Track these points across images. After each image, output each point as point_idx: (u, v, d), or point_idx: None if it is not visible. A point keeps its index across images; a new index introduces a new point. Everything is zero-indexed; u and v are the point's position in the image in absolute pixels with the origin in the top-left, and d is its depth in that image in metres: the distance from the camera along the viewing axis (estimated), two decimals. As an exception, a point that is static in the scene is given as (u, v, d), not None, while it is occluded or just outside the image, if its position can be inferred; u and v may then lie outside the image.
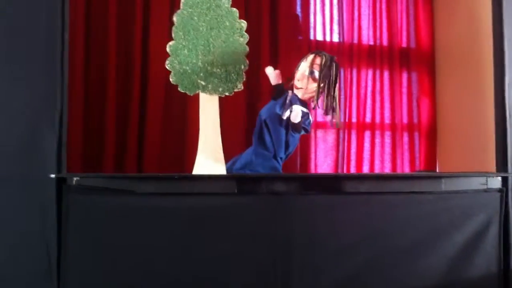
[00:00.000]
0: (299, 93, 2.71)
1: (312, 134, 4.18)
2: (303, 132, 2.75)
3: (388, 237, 2.17)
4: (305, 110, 2.69)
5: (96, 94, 3.59)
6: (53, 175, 1.94)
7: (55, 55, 2.08)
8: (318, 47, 4.22)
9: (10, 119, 2.06)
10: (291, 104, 2.64)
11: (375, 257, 2.17)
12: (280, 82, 2.75)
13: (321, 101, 2.69)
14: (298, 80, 2.71)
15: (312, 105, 2.77)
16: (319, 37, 4.27)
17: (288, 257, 2.10)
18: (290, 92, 2.73)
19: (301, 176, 2.34)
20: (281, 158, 2.65)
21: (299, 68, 2.74)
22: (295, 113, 2.55)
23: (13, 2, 2.08)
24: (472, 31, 3.89)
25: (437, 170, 4.35)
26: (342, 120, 2.89)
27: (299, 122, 2.59)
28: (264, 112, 2.69)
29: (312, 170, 4.15)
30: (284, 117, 2.64)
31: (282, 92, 2.72)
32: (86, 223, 2.05)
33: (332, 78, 2.71)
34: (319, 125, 4.22)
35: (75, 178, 2.05)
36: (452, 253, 2.19)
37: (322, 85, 2.67)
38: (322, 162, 4.22)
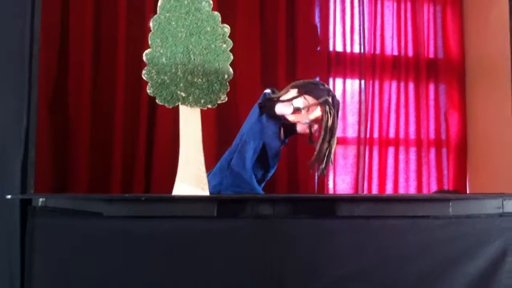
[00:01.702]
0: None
1: (331, 150, 3.95)
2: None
3: (389, 267, 1.91)
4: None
5: (103, 114, 3.50)
6: (9, 196, 1.78)
7: (23, 69, 1.94)
8: (338, 58, 4.04)
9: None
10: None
11: (374, 290, 1.92)
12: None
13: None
14: (292, 115, 2.41)
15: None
16: (339, 48, 4.07)
17: (276, 288, 1.88)
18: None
19: (290, 198, 2.11)
20: (262, 174, 2.44)
21: (301, 107, 2.37)
22: (284, 109, 2.33)
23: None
24: (505, 41, 3.61)
25: (467, 190, 4.05)
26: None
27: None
28: (246, 126, 2.43)
29: (330, 188, 3.94)
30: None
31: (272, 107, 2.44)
32: (51, 247, 1.88)
33: (331, 125, 2.36)
34: (338, 141, 3.96)
35: (41, 199, 1.88)
36: (464, 285, 1.92)
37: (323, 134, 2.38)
38: (342, 180, 3.99)
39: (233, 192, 2.31)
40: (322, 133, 2.35)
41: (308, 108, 2.36)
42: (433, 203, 1.96)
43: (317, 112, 2.37)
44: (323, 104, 2.35)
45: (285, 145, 2.61)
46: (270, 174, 2.49)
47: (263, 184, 2.46)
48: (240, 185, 2.29)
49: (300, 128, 2.46)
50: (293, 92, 2.40)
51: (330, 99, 2.36)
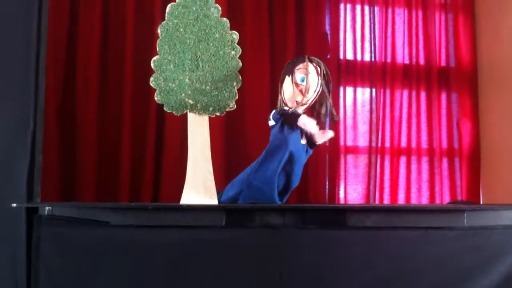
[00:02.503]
0: (301, 110, 2.42)
1: (342, 159, 3.91)
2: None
3: (401, 280, 1.86)
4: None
5: (111, 120, 3.48)
6: (14, 204, 1.75)
7: (30, 73, 1.91)
8: (349, 67, 4.00)
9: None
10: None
11: (386, 303, 1.87)
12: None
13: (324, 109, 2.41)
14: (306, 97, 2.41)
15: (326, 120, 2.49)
16: (349, 56, 4.02)
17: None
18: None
19: (300, 207, 2.06)
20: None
21: (301, 81, 2.38)
22: (309, 125, 2.30)
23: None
24: (518, 48, 3.59)
25: (481, 200, 3.98)
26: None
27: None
28: (292, 143, 2.39)
29: (341, 198, 3.88)
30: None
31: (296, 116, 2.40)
32: (57, 256, 1.85)
33: (327, 86, 2.43)
34: (349, 150, 3.95)
35: (47, 208, 1.86)
36: (479, 300, 1.86)
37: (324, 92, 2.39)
38: (353, 190, 3.93)
39: None
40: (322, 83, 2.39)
41: (306, 74, 2.36)
42: (447, 213, 1.92)
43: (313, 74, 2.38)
44: (316, 62, 2.40)
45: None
46: (293, 186, 2.43)
47: (286, 198, 2.41)
48: (260, 198, 2.23)
49: (319, 137, 2.44)
50: (287, 80, 2.39)
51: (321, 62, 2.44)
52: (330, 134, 2.41)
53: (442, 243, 1.89)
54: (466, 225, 1.89)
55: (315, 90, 2.37)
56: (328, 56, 3.95)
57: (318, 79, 2.37)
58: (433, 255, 1.89)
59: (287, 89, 2.37)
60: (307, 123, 2.32)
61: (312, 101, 2.40)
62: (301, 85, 2.34)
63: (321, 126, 2.40)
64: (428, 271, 1.88)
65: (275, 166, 2.30)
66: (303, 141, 2.40)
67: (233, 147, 3.58)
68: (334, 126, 3.68)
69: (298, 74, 2.36)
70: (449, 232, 1.89)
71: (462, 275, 1.88)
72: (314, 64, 2.39)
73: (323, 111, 2.43)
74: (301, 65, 2.37)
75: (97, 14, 3.47)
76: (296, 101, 2.35)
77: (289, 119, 2.35)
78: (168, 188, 3.45)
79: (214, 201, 2.00)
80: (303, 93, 2.34)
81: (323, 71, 2.41)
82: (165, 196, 3.43)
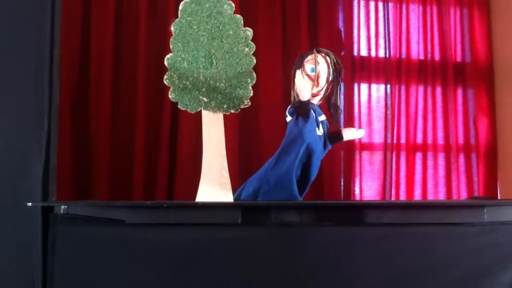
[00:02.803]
0: (315, 100, 2.41)
1: (357, 155, 3.89)
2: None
3: (420, 277, 1.83)
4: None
5: (125, 118, 3.48)
6: (29, 204, 1.75)
7: (44, 72, 1.91)
8: (363, 63, 3.98)
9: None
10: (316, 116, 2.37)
11: (405, 301, 1.84)
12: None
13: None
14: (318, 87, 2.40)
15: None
16: (363, 53, 3.99)
17: (302, 300, 1.81)
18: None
19: (316, 205, 2.04)
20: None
21: (311, 72, 2.38)
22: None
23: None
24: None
25: (498, 196, 3.93)
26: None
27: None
28: (309, 138, 2.37)
29: (357, 195, 3.86)
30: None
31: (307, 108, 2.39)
32: (73, 255, 1.85)
33: (338, 75, 2.42)
34: (364, 147, 3.92)
35: (62, 207, 1.85)
36: (499, 297, 1.83)
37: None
38: (368, 187, 3.90)
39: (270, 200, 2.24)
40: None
41: (315, 64, 2.36)
42: (467, 209, 1.88)
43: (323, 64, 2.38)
44: (326, 53, 2.40)
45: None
46: (312, 178, 2.41)
47: (305, 192, 2.39)
48: (279, 192, 2.22)
49: (347, 135, 2.46)
50: (298, 74, 2.40)
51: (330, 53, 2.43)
52: (361, 133, 2.50)
53: (462, 239, 1.85)
54: (486, 221, 1.86)
55: (326, 78, 2.36)
56: (342, 53, 3.92)
57: (329, 67, 2.36)
58: (453, 251, 1.85)
59: (299, 82, 2.36)
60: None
61: (325, 91, 2.38)
62: (312, 75, 2.34)
63: (338, 118, 2.41)
64: (448, 268, 1.84)
65: (292, 159, 2.28)
66: (320, 132, 2.38)
67: (246, 144, 3.56)
68: (350, 123, 3.68)
69: (308, 65, 2.37)
70: (470, 228, 1.86)
71: (482, 272, 1.84)
72: (323, 54, 2.39)
73: (338, 102, 2.43)
74: (309, 57, 2.38)
75: (110, 12, 3.47)
76: (312, 94, 2.35)
77: (301, 109, 2.34)
78: (183, 186, 3.44)
79: (230, 199, 1.98)
80: (313, 80, 2.33)
81: (333, 60, 2.40)
82: (179, 194, 3.43)
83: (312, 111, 2.36)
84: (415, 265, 1.86)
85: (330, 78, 2.38)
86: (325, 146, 2.44)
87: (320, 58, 2.36)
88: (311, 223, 1.89)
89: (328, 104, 2.45)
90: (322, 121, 2.41)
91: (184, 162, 3.47)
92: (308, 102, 2.32)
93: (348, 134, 2.48)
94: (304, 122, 2.33)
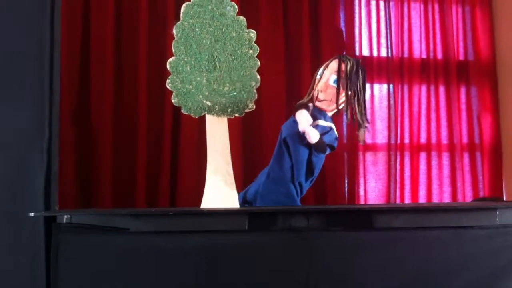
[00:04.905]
0: (323, 106, 2.39)
1: (361, 156, 3.85)
2: (329, 151, 2.41)
3: (431, 282, 1.80)
4: (326, 124, 2.36)
5: (126, 124, 3.44)
6: (32, 214, 1.71)
7: (44, 78, 1.87)
8: (365, 63, 3.91)
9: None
10: (314, 119, 2.33)
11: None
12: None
13: (350, 114, 2.37)
14: (321, 92, 2.39)
15: (345, 118, 2.45)
16: (365, 52, 3.95)
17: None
18: (311, 105, 2.40)
19: (325, 209, 2.00)
20: (300, 182, 2.33)
21: (319, 77, 2.41)
22: (309, 135, 2.24)
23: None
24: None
25: (504, 195, 3.90)
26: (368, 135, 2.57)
27: (319, 141, 2.28)
28: (284, 129, 2.37)
29: (361, 197, 3.82)
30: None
31: (304, 108, 2.38)
32: (76, 264, 1.81)
33: (360, 86, 2.37)
34: (368, 147, 3.88)
35: (65, 216, 1.81)
36: (513, 301, 1.80)
37: (350, 94, 2.35)
38: (373, 188, 3.87)
39: (270, 199, 2.23)
40: (355, 98, 2.39)
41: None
42: (479, 212, 1.84)
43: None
44: (342, 60, 2.44)
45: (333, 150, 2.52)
46: (314, 178, 2.40)
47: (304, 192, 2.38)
48: (277, 190, 2.21)
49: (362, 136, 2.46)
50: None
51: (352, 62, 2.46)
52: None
53: (474, 242, 1.82)
54: (498, 223, 1.82)
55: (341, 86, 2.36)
56: (344, 53, 3.87)
57: (341, 75, 2.32)
58: (464, 255, 1.82)
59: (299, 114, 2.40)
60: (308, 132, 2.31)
61: (335, 99, 2.36)
62: (317, 79, 2.34)
63: (360, 135, 2.39)
64: (459, 272, 1.81)
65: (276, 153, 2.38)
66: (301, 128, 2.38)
67: (249, 148, 3.52)
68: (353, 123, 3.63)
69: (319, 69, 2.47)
70: (481, 231, 1.82)
71: (494, 275, 1.81)
72: (341, 61, 2.43)
73: (359, 116, 2.38)
74: (329, 62, 2.46)
75: (110, 15, 3.43)
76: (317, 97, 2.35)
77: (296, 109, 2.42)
78: (185, 192, 3.41)
79: (236, 205, 1.95)
80: (314, 86, 2.43)
81: (352, 67, 2.40)
82: (182, 201, 3.39)
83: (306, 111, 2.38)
84: (426, 269, 1.83)
85: (342, 86, 2.35)
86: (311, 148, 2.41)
87: (333, 64, 2.35)
88: (320, 228, 1.85)
89: (350, 113, 2.43)
90: (318, 126, 2.38)
91: (186, 167, 3.44)
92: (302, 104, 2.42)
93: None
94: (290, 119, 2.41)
